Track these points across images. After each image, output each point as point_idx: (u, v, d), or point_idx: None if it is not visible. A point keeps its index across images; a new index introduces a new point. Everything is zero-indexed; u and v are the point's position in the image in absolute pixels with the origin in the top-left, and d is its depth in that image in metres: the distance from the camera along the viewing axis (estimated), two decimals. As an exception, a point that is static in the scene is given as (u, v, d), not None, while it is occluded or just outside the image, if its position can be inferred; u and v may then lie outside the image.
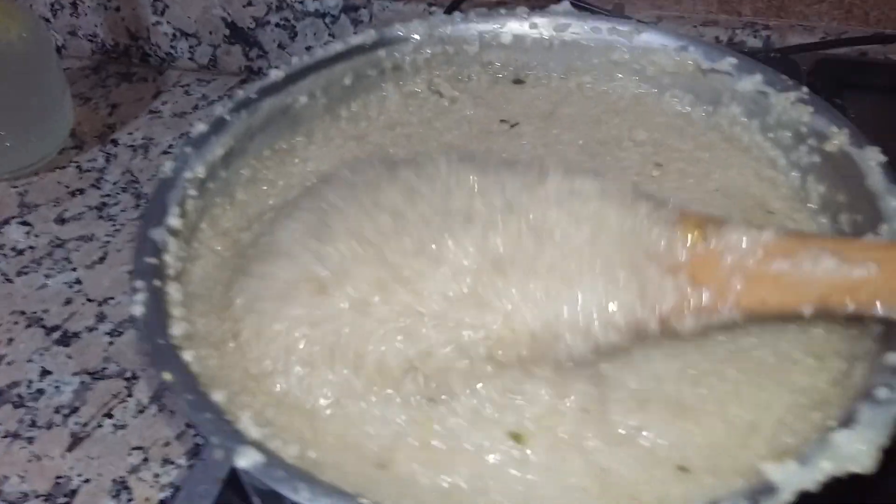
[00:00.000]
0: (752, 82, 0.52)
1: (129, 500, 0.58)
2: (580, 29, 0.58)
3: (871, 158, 0.46)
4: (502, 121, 0.58)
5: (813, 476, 0.32)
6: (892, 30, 0.81)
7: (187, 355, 0.37)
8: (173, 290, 0.41)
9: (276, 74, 0.53)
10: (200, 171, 0.47)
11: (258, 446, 0.34)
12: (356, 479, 0.36)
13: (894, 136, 0.68)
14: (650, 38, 0.56)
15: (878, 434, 0.33)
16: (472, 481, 0.37)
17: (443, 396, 0.39)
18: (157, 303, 0.39)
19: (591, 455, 0.37)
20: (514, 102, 0.59)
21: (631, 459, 0.37)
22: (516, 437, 0.38)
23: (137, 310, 0.39)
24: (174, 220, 0.44)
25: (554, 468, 0.37)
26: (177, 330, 0.39)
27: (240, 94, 0.51)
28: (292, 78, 0.53)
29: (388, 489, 0.35)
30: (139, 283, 0.40)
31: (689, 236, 0.40)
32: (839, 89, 0.72)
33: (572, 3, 0.59)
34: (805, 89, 0.50)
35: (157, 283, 0.40)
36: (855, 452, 0.32)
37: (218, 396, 0.36)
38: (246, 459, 0.33)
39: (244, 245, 0.47)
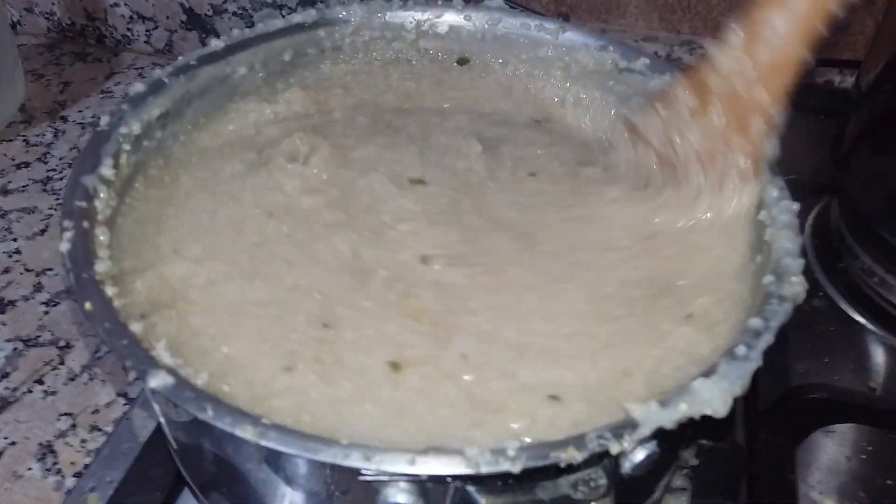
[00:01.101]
0: (661, 81, 0.56)
1: (55, 463, 0.59)
2: (510, 24, 0.61)
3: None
4: None
5: (671, 416, 0.35)
6: (818, 56, 0.86)
7: (109, 290, 0.40)
8: (100, 233, 0.43)
9: (216, 44, 0.56)
10: (136, 127, 0.50)
11: (171, 371, 0.36)
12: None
13: (813, 153, 0.73)
14: (573, 36, 0.60)
15: (733, 384, 0.36)
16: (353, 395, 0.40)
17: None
18: (84, 242, 0.42)
19: (464, 385, 0.41)
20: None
21: (504, 389, 0.40)
22: (394, 367, 0.41)
23: (64, 246, 0.41)
24: (107, 171, 0.46)
25: (427, 391, 0.40)
26: (101, 267, 0.41)
27: (180, 59, 0.54)
28: (232, 49, 0.56)
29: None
30: (67, 223, 0.42)
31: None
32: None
33: (506, 2, 0.62)
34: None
35: (85, 224, 0.43)
36: (710, 398, 0.36)
37: (135, 327, 0.38)
38: (157, 380, 0.35)
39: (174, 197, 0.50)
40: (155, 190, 0.51)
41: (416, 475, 0.34)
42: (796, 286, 0.41)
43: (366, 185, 0.51)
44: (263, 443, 0.34)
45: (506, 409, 0.39)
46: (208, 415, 0.34)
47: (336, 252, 0.47)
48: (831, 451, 0.57)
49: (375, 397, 0.40)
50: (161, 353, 0.38)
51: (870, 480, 0.55)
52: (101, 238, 0.43)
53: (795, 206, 0.46)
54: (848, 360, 0.63)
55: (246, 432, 0.34)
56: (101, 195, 0.45)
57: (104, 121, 0.49)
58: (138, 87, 0.51)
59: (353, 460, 0.33)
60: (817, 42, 0.44)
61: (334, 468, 0.35)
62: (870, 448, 0.56)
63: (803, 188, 0.51)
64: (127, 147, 0.49)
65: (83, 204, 0.44)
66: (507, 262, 0.47)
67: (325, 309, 0.44)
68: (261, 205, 0.50)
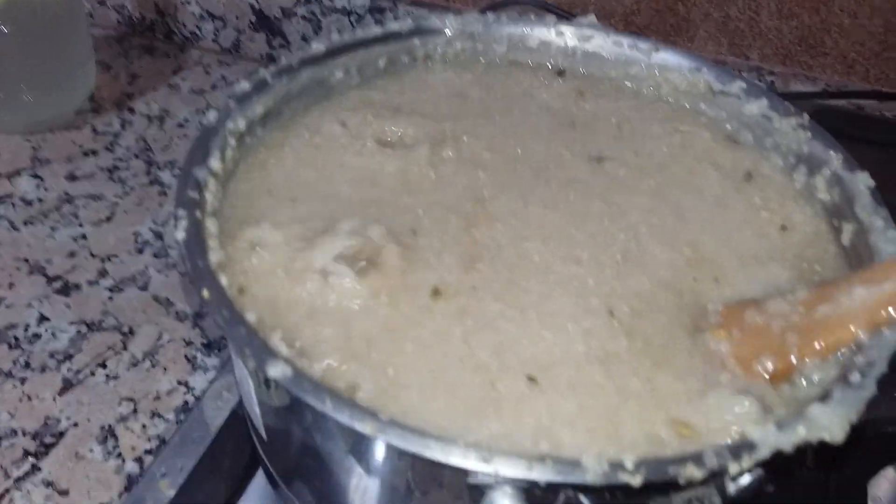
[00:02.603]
0: (758, 106, 0.56)
1: (115, 446, 0.59)
2: (603, 41, 0.62)
3: (862, 182, 0.50)
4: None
5: (789, 439, 0.35)
6: (890, 89, 0.86)
7: (223, 279, 0.40)
8: (210, 224, 0.44)
9: (317, 47, 0.56)
10: (242, 124, 0.50)
11: (289, 362, 0.36)
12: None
13: (885, 185, 0.73)
14: (667, 56, 0.61)
15: (849, 411, 0.36)
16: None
17: None
18: (197, 231, 0.42)
19: None
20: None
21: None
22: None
23: (180, 235, 0.41)
24: (215, 163, 0.47)
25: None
26: (214, 257, 0.41)
27: (283, 60, 0.54)
28: (332, 53, 0.57)
29: None
30: (181, 212, 0.42)
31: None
32: (834, 138, 0.77)
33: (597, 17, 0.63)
34: (806, 116, 0.55)
35: (198, 214, 0.43)
36: (828, 424, 0.36)
37: (251, 317, 0.39)
38: (276, 370, 0.35)
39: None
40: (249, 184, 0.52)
41: (533, 481, 0.34)
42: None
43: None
44: (382, 438, 0.34)
45: None
46: (327, 406, 0.34)
47: None
48: (905, 487, 0.56)
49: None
50: (277, 343, 0.38)
51: (942, 517, 0.54)
52: (211, 228, 0.43)
53: (903, 237, 0.46)
54: (920, 393, 0.62)
55: (366, 427, 0.34)
56: (211, 187, 0.46)
57: (212, 116, 0.49)
58: (244, 85, 0.52)
59: (472, 462, 0.33)
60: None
61: (444, 467, 0.35)
62: (943, 483, 0.56)
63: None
64: (232, 142, 0.50)
65: (195, 194, 0.44)
66: None
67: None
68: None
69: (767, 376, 0.42)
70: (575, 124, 0.58)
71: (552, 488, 0.35)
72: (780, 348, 0.43)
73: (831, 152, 0.52)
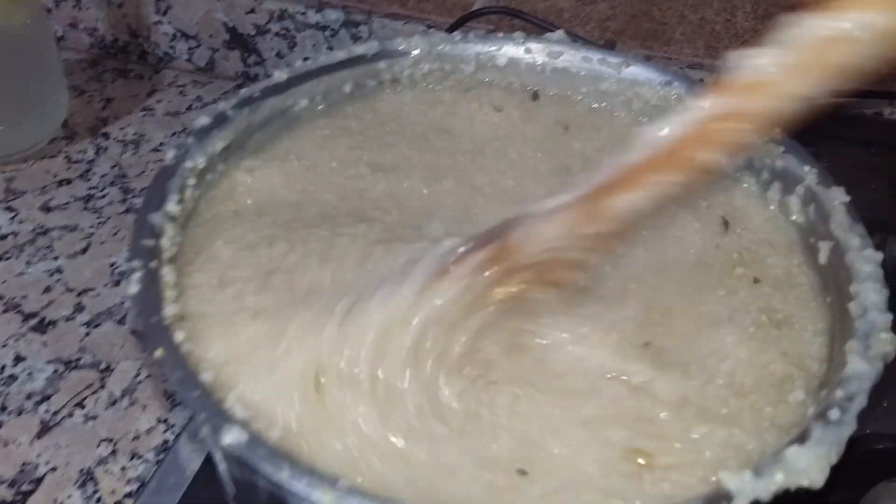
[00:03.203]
0: None
1: (95, 491, 0.58)
2: (572, 57, 0.60)
3: (836, 198, 0.48)
4: None
5: (767, 487, 0.34)
6: (869, 86, 0.84)
7: (178, 335, 0.39)
8: (166, 273, 0.42)
9: (279, 76, 0.55)
10: (201, 161, 0.49)
11: (243, 425, 0.35)
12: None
13: (863, 184, 0.72)
14: (637, 71, 0.59)
15: (829, 451, 0.35)
16: None
17: None
18: (153, 283, 0.41)
19: None
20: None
21: None
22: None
23: (133, 288, 0.40)
24: (172, 207, 0.46)
25: None
26: (170, 310, 0.40)
27: (243, 91, 0.53)
28: (294, 81, 0.55)
29: None
30: (136, 263, 0.41)
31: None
32: (815, 138, 0.76)
33: (566, 32, 0.61)
34: (777, 129, 0.53)
35: (153, 264, 0.42)
36: (806, 467, 0.34)
37: (205, 376, 0.37)
38: (231, 436, 0.34)
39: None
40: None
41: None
42: (886, 343, 0.40)
43: None
44: (343, 506, 0.32)
45: None
46: (283, 476, 0.33)
47: None
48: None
49: None
50: (233, 404, 0.37)
51: (934, 533, 0.53)
52: (167, 278, 0.42)
53: (879, 256, 0.45)
54: (906, 407, 0.61)
55: (325, 496, 0.32)
56: (168, 232, 0.44)
57: (170, 155, 0.48)
58: (203, 119, 0.50)
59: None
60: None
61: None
62: (937, 499, 0.55)
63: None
64: (191, 181, 0.48)
65: (151, 242, 0.43)
66: None
67: None
68: None
69: None
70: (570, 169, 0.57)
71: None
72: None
73: (805, 167, 0.51)
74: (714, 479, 0.35)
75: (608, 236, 0.41)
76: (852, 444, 0.57)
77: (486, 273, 0.41)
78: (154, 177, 0.46)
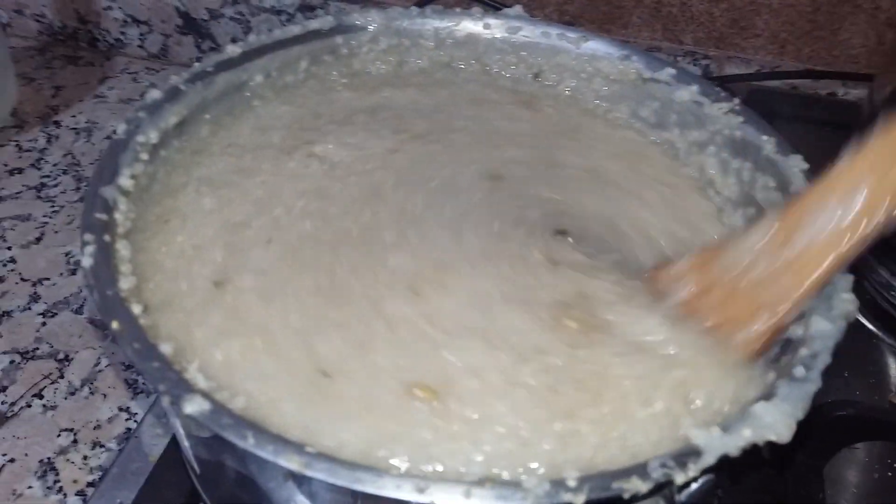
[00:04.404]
0: (688, 92, 0.55)
1: (56, 481, 0.57)
2: (531, 32, 0.60)
3: (795, 165, 0.49)
4: None
5: (735, 442, 0.34)
6: (822, 67, 0.86)
7: (135, 308, 0.38)
8: (122, 247, 0.41)
9: (232, 50, 0.54)
10: (153, 136, 0.48)
11: (206, 396, 0.34)
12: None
13: (819, 163, 0.73)
14: (596, 46, 0.59)
15: (795, 408, 0.35)
16: None
17: None
18: (106, 257, 0.39)
19: None
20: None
21: None
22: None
23: (87, 262, 0.39)
24: (125, 181, 0.44)
25: None
26: (125, 284, 0.39)
27: (196, 66, 0.52)
28: (249, 55, 0.54)
29: None
30: (88, 237, 0.40)
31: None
32: (770, 119, 0.77)
33: (524, 8, 0.61)
34: (737, 100, 0.54)
35: (106, 238, 0.40)
36: (773, 423, 0.34)
37: (165, 348, 0.36)
38: (193, 406, 0.33)
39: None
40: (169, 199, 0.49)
41: (473, 507, 0.32)
42: (847, 303, 0.40)
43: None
44: (310, 473, 0.32)
45: None
46: (249, 443, 0.32)
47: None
48: (859, 468, 0.56)
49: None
50: (194, 374, 0.36)
51: (898, 497, 0.54)
52: (123, 252, 0.41)
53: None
54: (868, 375, 0.62)
55: (291, 462, 0.32)
56: (121, 207, 0.43)
57: (121, 129, 0.47)
58: (154, 93, 0.49)
59: (406, 493, 0.32)
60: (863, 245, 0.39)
61: (379, 499, 0.33)
62: (896, 464, 0.56)
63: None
64: (144, 156, 0.47)
65: (103, 216, 0.41)
66: None
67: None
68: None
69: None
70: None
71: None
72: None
73: (763, 136, 0.51)
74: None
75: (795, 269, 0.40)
76: (817, 411, 0.59)
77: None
78: (105, 150, 0.45)
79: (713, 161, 0.54)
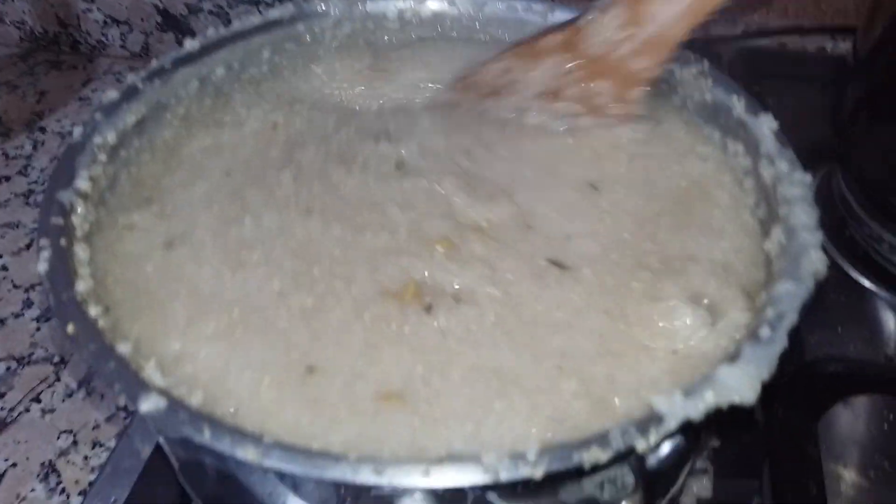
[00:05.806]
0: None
1: (58, 482, 0.57)
2: (496, 7, 0.59)
3: (765, 125, 0.48)
4: None
5: (697, 407, 0.33)
6: (809, 23, 0.84)
7: (92, 310, 0.38)
8: (80, 250, 0.41)
9: (191, 45, 0.53)
10: (111, 137, 0.47)
11: (163, 393, 0.34)
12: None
13: (810, 121, 0.72)
14: (564, 16, 0.58)
15: (760, 369, 0.34)
16: None
17: None
18: (63, 261, 0.39)
19: None
20: None
21: None
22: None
23: (42, 266, 0.39)
24: (83, 184, 0.44)
25: None
26: (82, 286, 0.39)
27: (154, 63, 0.51)
28: (208, 49, 0.54)
29: None
30: (44, 242, 0.40)
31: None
32: (759, 78, 0.75)
33: (490, -19, 0.60)
34: (706, 62, 0.52)
35: (63, 242, 0.40)
36: (737, 385, 0.34)
37: (123, 348, 0.36)
38: (149, 404, 0.33)
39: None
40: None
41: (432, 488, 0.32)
42: (816, 262, 0.39)
43: None
44: (267, 463, 0.32)
45: None
46: (205, 437, 0.32)
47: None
48: (852, 423, 0.55)
49: None
50: (151, 373, 0.36)
51: (893, 450, 0.53)
52: (81, 255, 0.41)
53: (808, 179, 0.44)
54: (861, 329, 0.61)
55: (247, 453, 0.32)
56: (79, 210, 0.43)
57: (77, 132, 0.46)
58: (111, 94, 0.49)
59: (364, 476, 0.31)
60: (700, 25, 0.43)
61: (342, 484, 0.33)
62: (891, 417, 0.55)
63: (803, 157, 0.49)
64: (103, 158, 0.47)
65: (60, 221, 0.41)
66: None
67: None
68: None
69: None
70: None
71: (458, 489, 0.33)
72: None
73: (734, 97, 0.50)
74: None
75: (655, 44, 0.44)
76: (807, 367, 0.58)
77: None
78: (61, 155, 0.45)
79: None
